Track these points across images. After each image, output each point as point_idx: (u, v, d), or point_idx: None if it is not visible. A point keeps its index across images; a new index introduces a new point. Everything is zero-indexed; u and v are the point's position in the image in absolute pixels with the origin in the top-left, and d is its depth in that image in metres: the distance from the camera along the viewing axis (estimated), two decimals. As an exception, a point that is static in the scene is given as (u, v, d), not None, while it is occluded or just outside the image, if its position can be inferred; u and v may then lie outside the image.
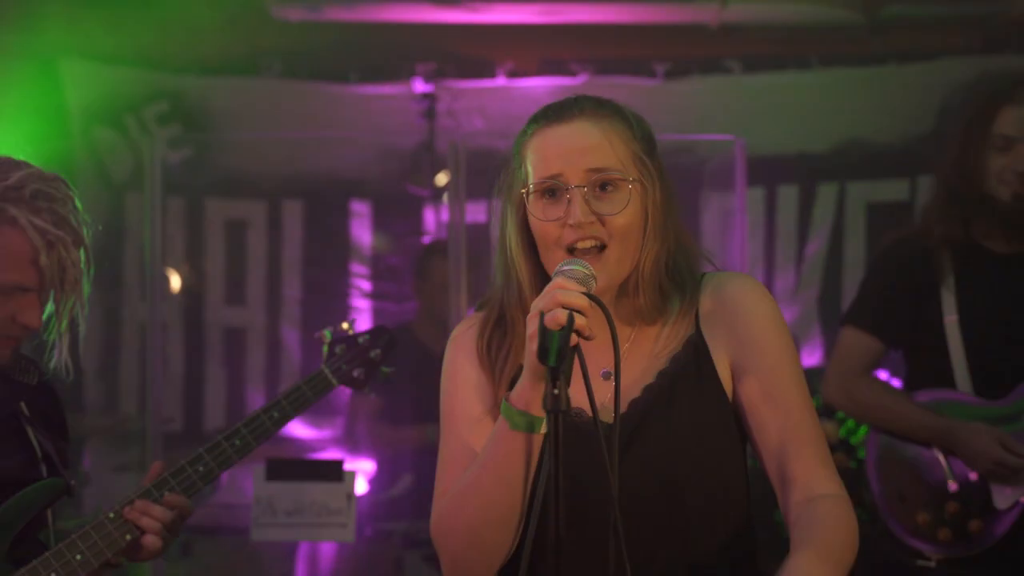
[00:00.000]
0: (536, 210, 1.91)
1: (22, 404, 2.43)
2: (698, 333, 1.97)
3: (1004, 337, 3.33)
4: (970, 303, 3.34)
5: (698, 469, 1.91)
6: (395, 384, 4.85)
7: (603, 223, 1.89)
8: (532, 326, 1.75)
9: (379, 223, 5.42)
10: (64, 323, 2.41)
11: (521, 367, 1.86)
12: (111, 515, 2.35)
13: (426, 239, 5.37)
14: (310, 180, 5.37)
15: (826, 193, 5.28)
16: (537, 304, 1.76)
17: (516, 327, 1.97)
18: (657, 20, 5.18)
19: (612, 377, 1.81)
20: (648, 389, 1.94)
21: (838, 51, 5.25)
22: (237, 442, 2.51)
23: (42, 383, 2.48)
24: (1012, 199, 3.35)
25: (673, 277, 1.98)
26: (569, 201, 1.88)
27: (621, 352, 1.91)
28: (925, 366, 3.43)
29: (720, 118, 4.90)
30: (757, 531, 2.04)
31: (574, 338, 1.72)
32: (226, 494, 5.06)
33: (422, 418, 4.84)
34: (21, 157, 2.50)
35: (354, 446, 5.06)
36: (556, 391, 1.66)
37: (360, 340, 2.72)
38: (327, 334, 2.71)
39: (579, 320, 1.72)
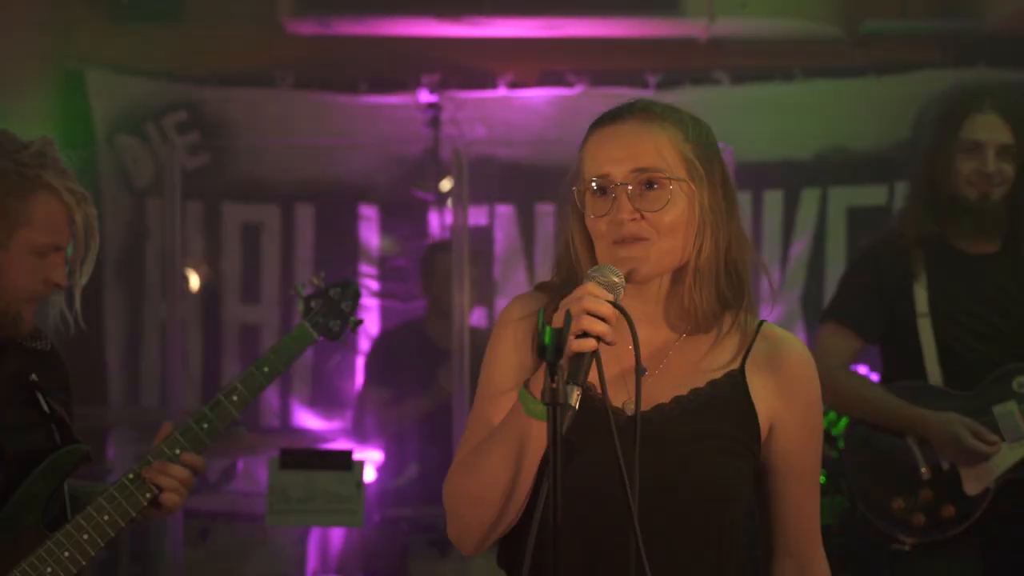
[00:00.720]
0: (589, 207, 1.90)
1: (33, 372, 2.42)
2: (741, 373, 1.92)
3: (972, 332, 3.37)
4: (941, 300, 3.37)
5: (698, 489, 1.88)
6: (403, 375, 4.93)
7: (647, 220, 1.86)
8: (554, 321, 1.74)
9: (386, 226, 5.42)
10: (84, 278, 2.43)
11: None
12: (131, 476, 2.35)
13: (431, 241, 5.40)
14: (321, 185, 5.37)
15: (809, 198, 5.29)
16: (565, 302, 1.75)
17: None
18: (650, 34, 5.18)
19: (643, 373, 1.80)
20: (677, 400, 1.91)
21: (820, 64, 5.24)
22: (235, 397, 2.50)
23: (52, 349, 2.48)
24: (979, 199, 3.38)
25: (732, 284, 1.92)
26: (615, 198, 1.87)
27: (664, 356, 1.92)
28: (899, 360, 3.46)
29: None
30: None
31: (594, 343, 1.71)
32: (242, 482, 5.09)
33: (429, 415, 4.87)
34: None
35: (362, 437, 5.08)
36: (555, 385, 1.65)
37: (331, 293, 2.69)
38: (299, 288, 2.71)
39: (600, 327, 1.71)
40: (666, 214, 1.87)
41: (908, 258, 3.41)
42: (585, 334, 1.71)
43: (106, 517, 2.31)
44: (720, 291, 1.91)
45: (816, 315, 4.55)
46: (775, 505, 1.98)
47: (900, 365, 3.46)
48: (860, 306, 3.48)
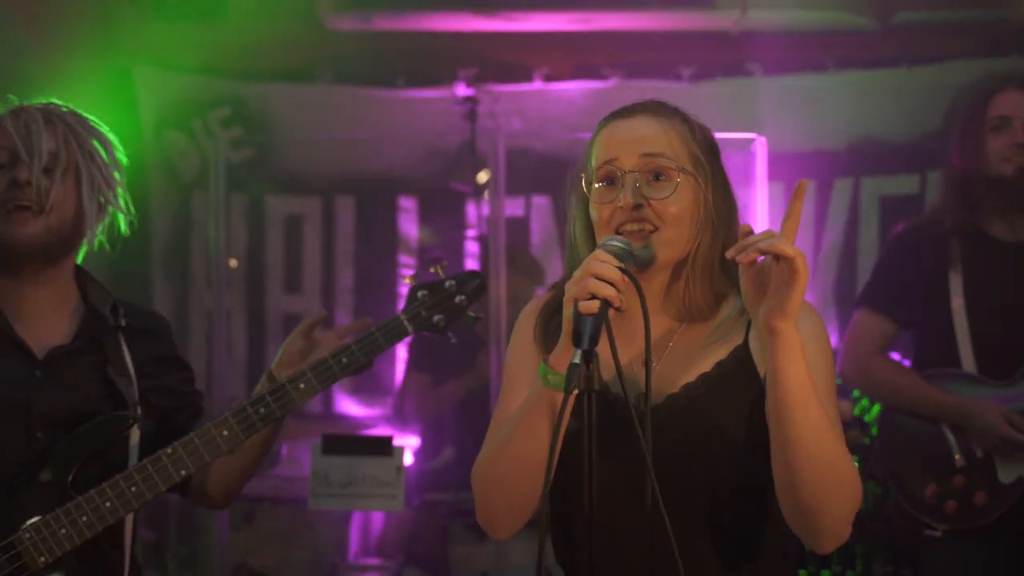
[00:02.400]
0: (595, 195, 1.91)
1: (105, 343, 2.42)
2: (745, 345, 1.91)
3: (1007, 320, 3.33)
4: (975, 288, 3.34)
5: (716, 474, 1.87)
6: (446, 361, 4.93)
7: (652, 208, 1.87)
8: (568, 292, 1.74)
9: (424, 217, 5.43)
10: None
11: None
12: (168, 451, 2.32)
13: (469, 232, 5.39)
14: (361, 178, 5.39)
15: (842, 187, 5.25)
16: (577, 273, 1.74)
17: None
18: (683, 27, 5.16)
19: (646, 362, 1.78)
20: (688, 387, 1.90)
21: (852, 55, 5.20)
22: (301, 385, 2.39)
23: (115, 314, 2.46)
24: (1016, 173, 3.34)
25: (727, 280, 1.94)
26: (622, 186, 1.88)
27: (666, 344, 1.92)
28: (933, 347, 3.43)
29: (742, 118, 4.88)
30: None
31: (598, 304, 1.70)
32: (286, 467, 5.11)
33: (466, 400, 4.87)
34: None
35: (402, 423, 5.09)
36: (589, 372, 1.64)
37: (446, 284, 2.48)
38: (412, 278, 2.52)
39: (608, 291, 1.70)
40: (672, 204, 1.87)
41: (944, 246, 3.38)
42: (593, 297, 1.70)
43: (133, 488, 2.30)
44: (715, 286, 1.93)
45: (849, 303, 4.51)
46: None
47: (934, 352, 3.42)
48: (894, 292, 3.45)
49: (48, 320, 2.41)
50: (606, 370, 1.71)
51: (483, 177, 5.17)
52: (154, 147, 5.20)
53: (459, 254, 5.41)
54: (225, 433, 2.34)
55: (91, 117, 2.46)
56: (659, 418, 1.85)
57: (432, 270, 2.50)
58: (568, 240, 2.01)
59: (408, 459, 4.73)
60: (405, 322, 2.46)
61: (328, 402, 5.37)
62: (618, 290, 1.71)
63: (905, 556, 4.34)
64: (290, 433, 4.95)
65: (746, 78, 5.20)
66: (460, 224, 5.39)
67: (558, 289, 1.98)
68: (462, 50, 5.26)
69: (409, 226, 5.43)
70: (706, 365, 1.91)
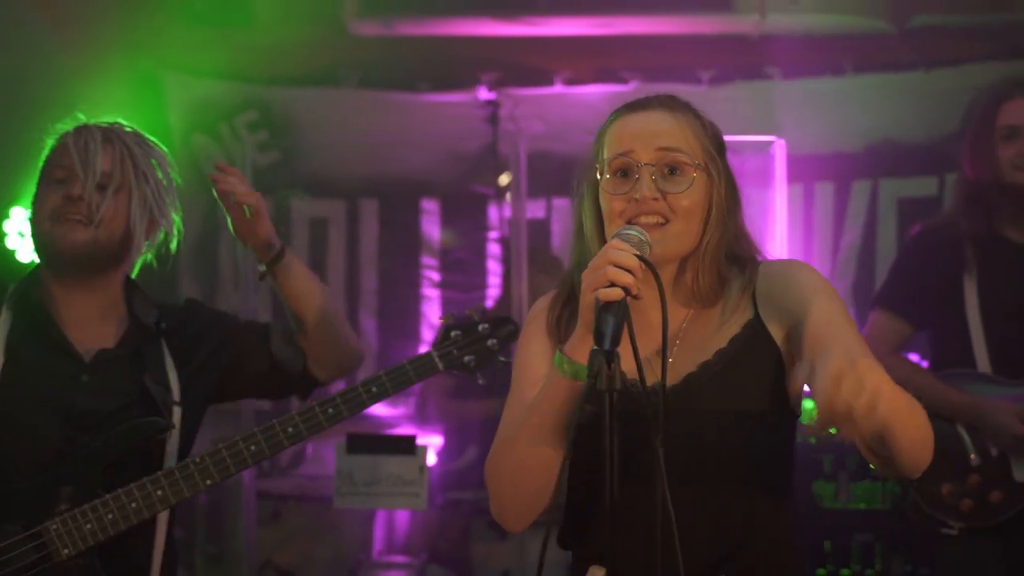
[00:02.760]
0: (607, 186, 1.91)
1: (145, 352, 2.52)
2: (756, 317, 1.94)
3: (1021, 321, 3.32)
4: (990, 290, 3.34)
5: (743, 444, 1.88)
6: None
7: (667, 201, 1.88)
8: (585, 281, 1.75)
9: (447, 219, 5.43)
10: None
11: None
12: (197, 460, 2.41)
13: (491, 234, 5.40)
14: (384, 181, 5.39)
15: (860, 190, 5.24)
16: (594, 261, 1.74)
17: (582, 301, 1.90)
18: (702, 31, 5.15)
19: (663, 347, 1.79)
20: (705, 365, 1.92)
21: (870, 58, 5.17)
22: (330, 410, 2.50)
23: (157, 324, 2.57)
24: None
25: (732, 267, 1.97)
26: (638, 178, 1.88)
27: (679, 331, 1.94)
28: (949, 348, 3.43)
29: (761, 121, 4.88)
30: (798, 506, 2.02)
31: (620, 292, 1.70)
32: (311, 466, 5.13)
33: (488, 395, 4.87)
34: None
35: (425, 422, 5.10)
36: (611, 372, 1.64)
37: (479, 328, 2.60)
38: (447, 318, 2.63)
39: (626, 278, 1.71)
40: (685, 198, 1.89)
41: (959, 249, 3.38)
42: (612, 284, 1.71)
43: (159, 492, 2.38)
44: (721, 274, 1.95)
45: (867, 304, 4.51)
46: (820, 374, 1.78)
47: (950, 353, 3.43)
48: (909, 294, 3.45)
49: (95, 326, 2.51)
50: (626, 358, 1.71)
51: (505, 180, 5.18)
52: (182, 151, 5.17)
53: (481, 256, 5.42)
54: (252, 448, 2.44)
55: (152, 138, 2.58)
56: (678, 398, 1.88)
57: (468, 312, 2.61)
58: (576, 230, 2.01)
59: (431, 459, 4.75)
60: (436, 359, 2.58)
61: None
62: (636, 278, 1.72)
63: (923, 554, 4.34)
64: (315, 433, 5.00)
65: (765, 81, 5.19)
66: (482, 226, 5.39)
67: (565, 281, 2.02)
68: (484, 55, 5.26)
69: (432, 228, 5.43)
70: (721, 342, 1.93)
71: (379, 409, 5.38)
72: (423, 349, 5.31)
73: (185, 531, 4.91)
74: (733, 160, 4.88)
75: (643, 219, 1.88)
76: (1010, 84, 3.51)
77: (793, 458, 1.99)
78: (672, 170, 1.89)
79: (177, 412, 2.49)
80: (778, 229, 4.33)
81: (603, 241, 1.92)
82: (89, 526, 2.33)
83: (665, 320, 1.75)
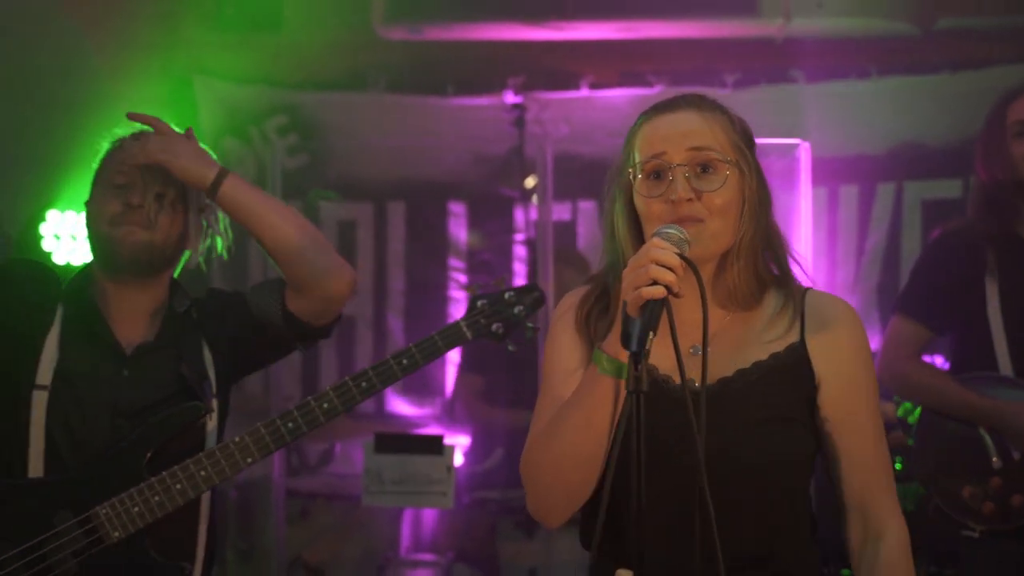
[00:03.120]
0: (642, 188, 1.90)
1: (182, 342, 2.59)
2: (802, 344, 1.94)
3: None
4: (1011, 292, 3.31)
5: (768, 456, 1.89)
6: (498, 361, 4.94)
7: (701, 200, 1.87)
8: (627, 280, 1.75)
9: (474, 222, 5.44)
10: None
11: None
12: (236, 440, 2.46)
13: (517, 236, 5.40)
14: (412, 183, 5.40)
15: (884, 192, 5.21)
16: (636, 259, 1.75)
17: (617, 300, 1.90)
18: (727, 35, 5.13)
19: (700, 351, 1.80)
20: (742, 373, 1.93)
21: (895, 61, 5.15)
22: (363, 384, 2.52)
23: (187, 312, 2.63)
24: None
25: (769, 268, 1.97)
26: (671, 179, 1.87)
27: (714, 331, 1.92)
28: (971, 350, 3.41)
29: (786, 124, 4.85)
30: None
31: (663, 291, 1.70)
32: (340, 465, 5.15)
33: (516, 403, 4.86)
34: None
35: (452, 422, 5.11)
36: (638, 373, 1.64)
37: (506, 296, 2.59)
38: (473, 288, 2.64)
39: (669, 276, 1.71)
40: (719, 195, 1.88)
41: (979, 251, 3.35)
42: (654, 283, 1.71)
43: (203, 472, 2.43)
44: (758, 272, 1.95)
45: (891, 307, 4.49)
46: (836, 463, 1.96)
47: (972, 355, 3.41)
48: (930, 299, 3.43)
49: (142, 322, 2.57)
50: (664, 357, 1.74)
51: (531, 182, 5.18)
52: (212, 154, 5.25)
53: (507, 258, 5.42)
54: (290, 425, 2.47)
55: (205, 146, 2.64)
56: (711, 398, 1.86)
57: (494, 283, 2.60)
58: (608, 231, 1.99)
59: (459, 459, 4.76)
60: (465, 328, 2.57)
61: (380, 402, 5.39)
62: (677, 275, 1.72)
63: (948, 556, 4.30)
64: (344, 432, 5.01)
65: (790, 84, 5.18)
66: (508, 228, 5.40)
67: (598, 280, 2.01)
68: (510, 59, 5.26)
69: (459, 230, 5.44)
70: (761, 354, 1.93)
71: (407, 409, 5.39)
72: (450, 352, 5.33)
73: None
74: (758, 163, 4.80)
75: (683, 218, 1.87)
76: (1019, 82, 3.49)
77: (814, 465, 2.00)
78: (704, 168, 1.89)
79: (215, 399, 2.56)
80: (803, 231, 4.31)
81: (637, 242, 1.92)
82: (136, 509, 2.39)
83: (706, 316, 1.76)
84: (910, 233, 5.14)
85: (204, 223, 2.63)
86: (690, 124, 1.91)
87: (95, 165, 2.61)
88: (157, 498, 2.41)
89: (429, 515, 4.91)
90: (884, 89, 5.13)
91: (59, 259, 4.30)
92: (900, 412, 4.54)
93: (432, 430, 4.96)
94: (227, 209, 2.58)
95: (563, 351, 2.00)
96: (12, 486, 2.45)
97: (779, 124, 4.79)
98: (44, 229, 4.30)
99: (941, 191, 5.05)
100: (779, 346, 1.94)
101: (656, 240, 1.77)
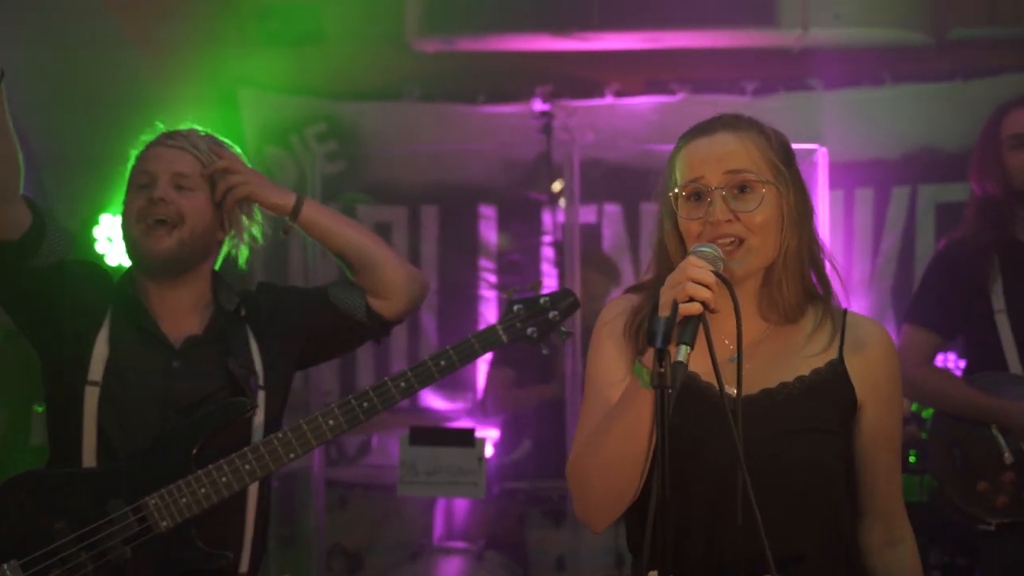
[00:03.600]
0: (683, 211, 1.91)
1: (230, 337, 2.58)
2: (841, 362, 1.95)
3: None
4: (1016, 294, 3.31)
5: (810, 461, 1.90)
6: (526, 359, 4.96)
7: (741, 220, 1.87)
8: (664, 297, 1.75)
9: (503, 224, 5.45)
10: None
11: None
12: (280, 435, 2.47)
13: (545, 238, 5.42)
14: (444, 188, 5.42)
15: (899, 195, 5.20)
16: (672, 277, 1.76)
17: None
18: (747, 44, 5.13)
19: (733, 359, 1.82)
20: (784, 386, 1.93)
21: (908, 69, 5.14)
22: (402, 384, 2.54)
23: (236, 311, 2.63)
24: None
25: (813, 284, 1.96)
26: (710, 201, 1.88)
27: (756, 343, 1.93)
28: (981, 352, 3.42)
29: (803, 130, 4.85)
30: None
31: (699, 307, 1.71)
32: (376, 456, 5.17)
33: (544, 379, 4.89)
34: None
35: (483, 416, 5.12)
36: (662, 369, 1.65)
37: (540, 301, 2.60)
38: (509, 293, 2.63)
39: (704, 293, 1.72)
40: (758, 215, 1.88)
41: (983, 258, 3.35)
42: (691, 299, 1.72)
43: (247, 467, 2.44)
44: (806, 284, 1.95)
45: (905, 306, 4.49)
46: (865, 473, 2.00)
47: (982, 356, 3.42)
48: (939, 307, 3.44)
49: (186, 316, 2.59)
50: (706, 367, 1.76)
51: (558, 186, 5.18)
52: (255, 161, 5.16)
53: (536, 259, 5.43)
54: (331, 423, 2.48)
55: (227, 140, 2.65)
56: (752, 408, 1.87)
57: (529, 287, 2.60)
58: (657, 246, 2.00)
59: (488, 451, 4.79)
60: (501, 332, 2.57)
61: (415, 397, 5.40)
62: (712, 291, 1.73)
63: (961, 546, 4.30)
64: (380, 425, 5.03)
65: (807, 92, 5.17)
66: (537, 231, 5.41)
67: (650, 294, 1.97)
68: (538, 68, 5.26)
69: (489, 232, 5.46)
70: (803, 369, 1.94)
71: (440, 404, 5.42)
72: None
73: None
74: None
75: (719, 241, 1.88)
76: (1011, 97, 3.49)
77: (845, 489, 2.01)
78: (742, 189, 1.89)
79: (261, 393, 2.54)
80: (820, 233, 4.32)
81: (684, 256, 1.90)
82: (184, 500, 2.41)
83: (739, 329, 1.77)
84: (924, 235, 5.12)
85: (244, 218, 2.63)
86: (726, 147, 1.91)
87: (127, 173, 2.62)
88: (203, 490, 2.41)
89: (461, 504, 4.92)
90: (898, 96, 5.12)
91: (111, 261, 4.35)
92: (914, 407, 4.54)
93: (464, 424, 4.97)
94: (309, 229, 2.65)
95: (609, 360, 1.99)
96: (69, 474, 2.47)
97: (797, 130, 4.73)
98: (97, 232, 4.35)
99: (954, 194, 5.02)
100: (819, 362, 1.94)
101: (691, 258, 1.77)
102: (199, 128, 2.66)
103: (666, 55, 5.24)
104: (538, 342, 2.60)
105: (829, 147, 4.37)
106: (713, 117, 1.99)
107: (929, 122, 5.09)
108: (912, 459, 4.51)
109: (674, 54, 5.24)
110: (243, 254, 2.68)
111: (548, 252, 5.40)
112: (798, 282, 1.94)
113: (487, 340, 2.58)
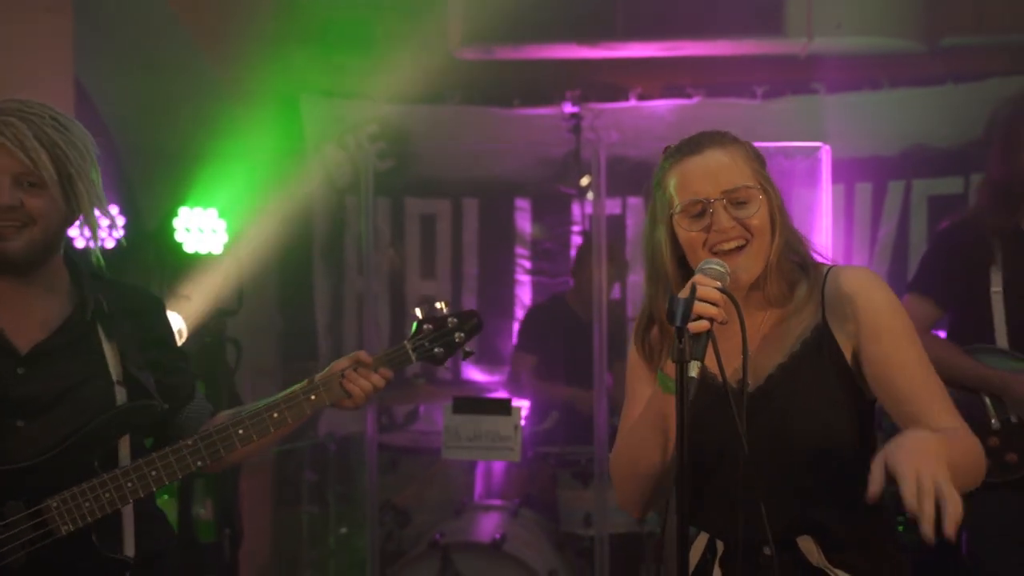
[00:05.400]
0: (684, 224, 1.88)
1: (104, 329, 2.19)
2: (824, 322, 1.89)
3: None
4: (1013, 278, 3.28)
5: (816, 433, 1.85)
6: (550, 342, 4.96)
7: (742, 225, 1.86)
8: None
9: (537, 216, 5.45)
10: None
11: None
12: (190, 442, 2.18)
13: (574, 228, 5.43)
14: (483, 182, 5.42)
15: (895, 189, 5.16)
16: (682, 295, 1.74)
17: (666, 324, 1.89)
18: (756, 52, 5.11)
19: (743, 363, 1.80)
20: (782, 367, 1.89)
21: (904, 74, 5.11)
22: (312, 397, 2.25)
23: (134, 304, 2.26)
24: None
25: (795, 267, 1.93)
26: (713, 214, 1.85)
27: (760, 336, 1.92)
28: (971, 326, 3.38)
29: (809, 129, 4.81)
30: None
31: (707, 324, 1.70)
32: (423, 423, 5.19)
33: (570, 380, 4.88)
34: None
35: (514, 391, 5.14)
36: (682, 345, 1.66)
37: (448, 322, 2.36)
38: (420, 311, 2.39)
39: (712, 311, 1.71)
40: (756, 218, 1.87)
41: (985, 241, 3.32)
42: (699, 317, 1.71)
43: (153, 473, 2.16)
44: (789, 277, 1.92)
45: (901, 288, 4.45)
46: (891, 401, 1.86)
47: (972, 331, 3.38)
48: (940, 280, 3.41)
49: (35, 315, 2.18)
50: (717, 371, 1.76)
51: (586, 181, 5.18)
52: (315, 159, 5.26)
53: (566, 247, 5.43)
54: (240, 432, 2.21)
55: (61, 115, 2.12)
56: (763, 395, 1.87)
57: (438, 306, 2.39)
58: (649, 256, 1.95)
59: (522, 420, 4.79)
60: (409, 351, 2.34)
61: (457, 371, 5.42)
62: (718, 306, 1.72)
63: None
64: (427, 396, 5.07)
65: (812, 95, 5.14)
66: (567, 221, 5.41)
67: (643, 314, 1.98)
68: (568, 75, 5.26)
69: (524, 223, 5.46)
70: (793, 344, 1.90)
71: (479, 376, 5.44)
72: (515, 326, 5.39)
73: (319, 475, 5.04)
74: (785, 163, 4.84)
75: (724, 245, 1.86)
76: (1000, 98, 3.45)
77: (865, 445, 1.89)
78: (739, 202, 1.87)
79: (121, 392, 2.18)
80: (824, 224, 4.30)
81: (680, 267, 1.91)
82: (88, 504, 2.11)
83: (745, 344, 1.77)
84: (917, 224, 5.10)
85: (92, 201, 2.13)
86: (719, 164, 1.87)
87: None
88: (108, 495, 2.11)
89: (498, 467, 4.92)
90: (895, 99, 5.08)
91: (188, 248, 4.37)
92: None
93: (501, 394, 4.98)
94: (299, 418, 2.26)
95: (637, 372, 2.01)
96: None
97: (803, 130, 4.77)
98: (176, 223, 4.37)
99: (945, 188, 5.00)
100: (806, 332, 1.90)
101: (699, 277, 1.76)
102: (35, 104, 2.10)
103: (683, 62, 5.22)
104: (443, 360, 2.38)
105: (832, 145, 4.33)
106: (696, 135, 1.94)
107: (923, 122, 5.05)
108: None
109: (690, 61, 5.22)
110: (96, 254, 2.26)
111: (577, 240, 5.40)
112: (784, 276, 1.91)
113: (395, 359, 2.32)
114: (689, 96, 5.23)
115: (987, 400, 3.27)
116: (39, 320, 2.17)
